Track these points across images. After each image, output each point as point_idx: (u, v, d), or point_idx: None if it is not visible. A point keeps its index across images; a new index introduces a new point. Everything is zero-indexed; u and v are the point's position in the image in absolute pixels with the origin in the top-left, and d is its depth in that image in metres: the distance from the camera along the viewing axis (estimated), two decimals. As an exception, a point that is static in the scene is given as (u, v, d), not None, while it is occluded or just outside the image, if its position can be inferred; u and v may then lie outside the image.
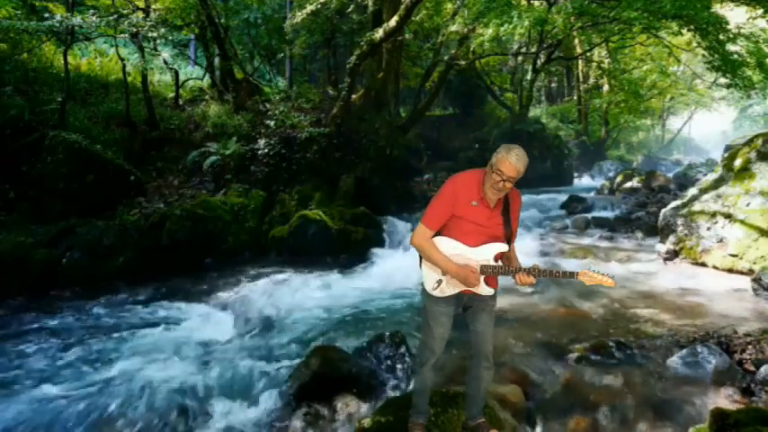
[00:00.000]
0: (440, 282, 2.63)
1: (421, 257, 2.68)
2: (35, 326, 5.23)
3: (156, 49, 12.16)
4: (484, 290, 2.61)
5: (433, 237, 2.60)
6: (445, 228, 2.59)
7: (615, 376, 3.78)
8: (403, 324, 4.89)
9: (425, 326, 2.76)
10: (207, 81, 14.24)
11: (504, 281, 2.74)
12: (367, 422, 3.00)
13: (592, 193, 14.44)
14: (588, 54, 20.91)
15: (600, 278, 2.47)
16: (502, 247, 2.57)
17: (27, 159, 8.07)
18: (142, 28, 9.78)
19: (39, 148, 8.13)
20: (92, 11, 9.83)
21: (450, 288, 2.63)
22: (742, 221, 6.37)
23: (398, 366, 4.02)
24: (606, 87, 23.55)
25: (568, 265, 7.31)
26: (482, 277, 2.57)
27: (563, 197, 12.47)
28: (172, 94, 13.07)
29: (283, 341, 4.72)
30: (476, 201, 2.52)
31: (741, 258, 6.24)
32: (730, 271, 6.34)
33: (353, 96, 11.66)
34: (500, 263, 2.61)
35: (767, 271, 5.56)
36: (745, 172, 6.85)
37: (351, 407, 3.50)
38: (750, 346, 4.00)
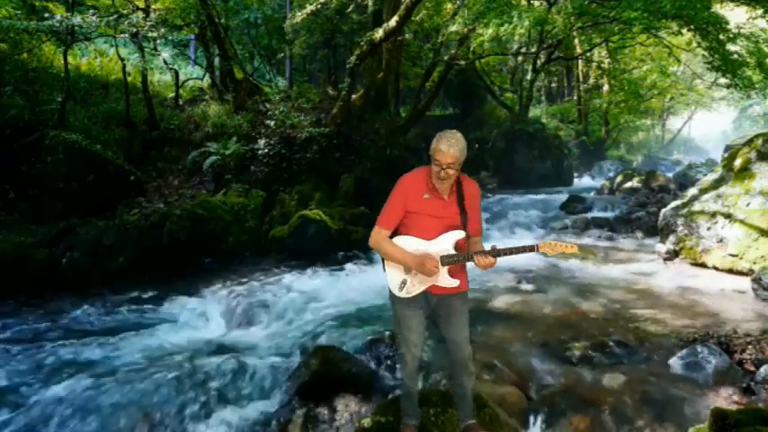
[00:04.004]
0: (404, 282, 2.60)
1: (383, 261, 2.67)
2: (35, 326, 5.23)
3: (156, 49, 12.18)
4: (446, 281, 2.55)
5: (394, 237, 2.61)
6: (404, 226, 2.61)
7: (615, 376, 3.78)
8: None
9: (398, 333, 2.74)
10: (207, 81, 14.23)
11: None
12: (367, 422, 3.00)
13: (592, 193, 14.42)
14: (588, 54, 20.89)
15: (562, 247, 2.42)
16: (459, 234, 2.55)
17: (27, 159, 8.07)
18: (142, 28, 9.79)
19: (39, 148, 8.14)
20: (92, 11, 9.84)
21: (415, 286, 2.59)
22: (742, 221, 6.36)
23: (398, 366, 4.02)
24: (606, 87, 23.52)
25: (569, 264, 7.31)
26: (444, 269, 2.54)
27: (563, 197, 12.45)
28: (172, 94, 13.08)
29: (283, 341, 4.72)
30: (427, 194, 2.55)
31: (741, 258, 6.23)
32: (730, 271, 6.33)
33: (353, 96, 11.65)
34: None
35: (767, 271, 5.56)
36: (745, 172, 6.85)
37: (351, 407, 3.49)
38: (750, 346, 4.00)
